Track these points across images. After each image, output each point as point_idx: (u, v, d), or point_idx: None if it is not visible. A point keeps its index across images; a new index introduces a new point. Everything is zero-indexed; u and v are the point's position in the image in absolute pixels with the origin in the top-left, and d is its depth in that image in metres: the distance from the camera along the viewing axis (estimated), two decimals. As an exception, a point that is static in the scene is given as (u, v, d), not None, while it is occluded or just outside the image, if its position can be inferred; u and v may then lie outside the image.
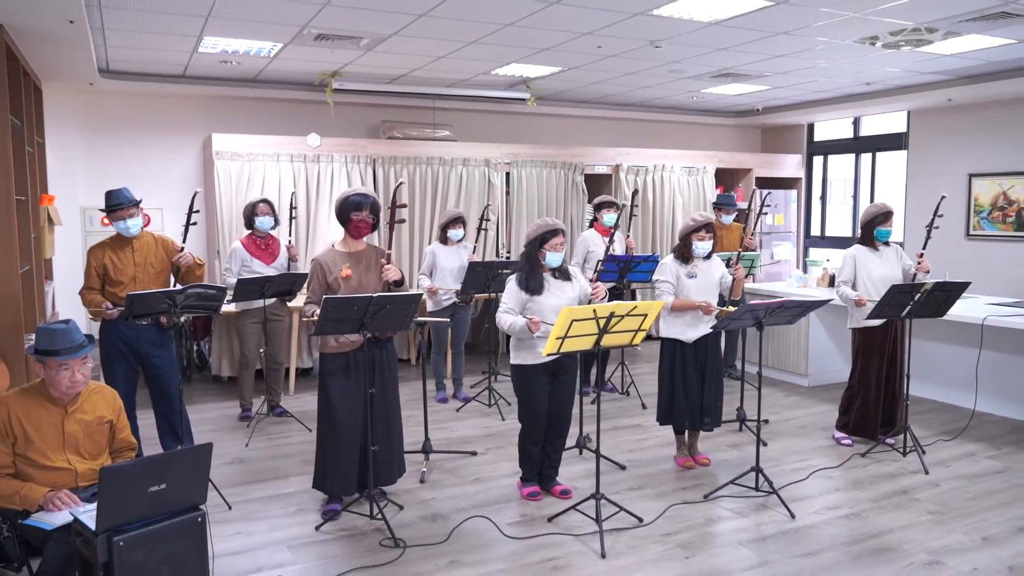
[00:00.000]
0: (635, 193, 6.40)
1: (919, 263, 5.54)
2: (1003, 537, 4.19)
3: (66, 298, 7.47)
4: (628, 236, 7.22)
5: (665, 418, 5.25)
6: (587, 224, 7.28)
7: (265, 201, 6.32)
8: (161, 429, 5.10)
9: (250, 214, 6.27)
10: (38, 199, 5.95)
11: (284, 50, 6.66)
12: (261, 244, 6.31)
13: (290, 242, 6.51)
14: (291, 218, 6.83)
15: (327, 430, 4.43)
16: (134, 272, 4.88)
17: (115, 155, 7.93)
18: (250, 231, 6.32)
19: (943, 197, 5.63)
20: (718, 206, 7.73)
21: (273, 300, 6.16)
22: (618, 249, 6.94)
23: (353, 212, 4.40)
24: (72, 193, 7.61)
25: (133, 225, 4.85)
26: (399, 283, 4.42)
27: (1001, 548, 4.07)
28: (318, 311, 4.17)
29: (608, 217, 6.91)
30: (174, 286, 4.82)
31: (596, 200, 7.11)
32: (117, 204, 4.80)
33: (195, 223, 4.95)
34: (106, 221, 4.88)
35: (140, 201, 4.92)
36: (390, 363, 4.54)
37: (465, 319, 6.94)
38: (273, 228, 6.34)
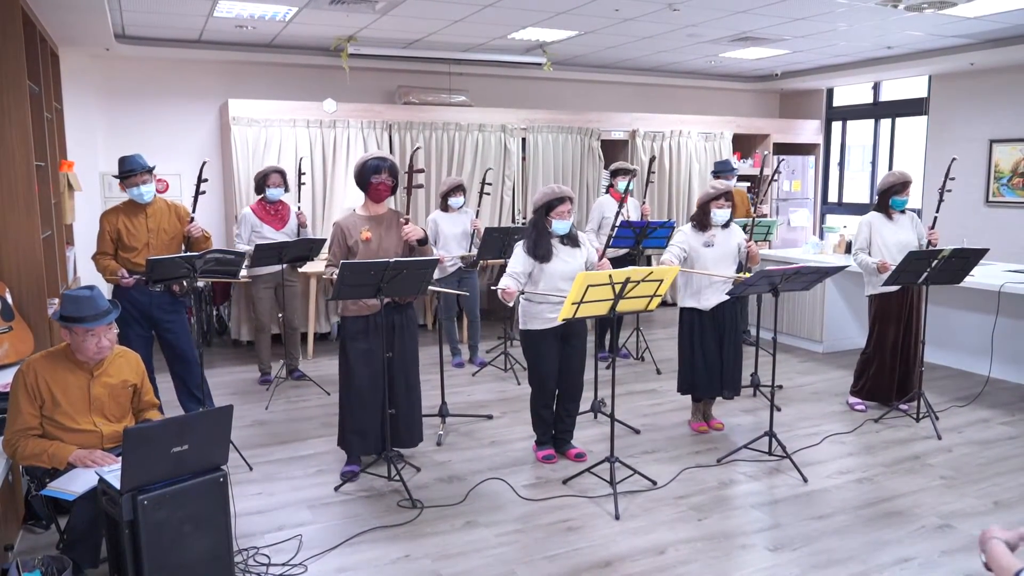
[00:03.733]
0: (652, 159, 6.38)
1: (930, 234, 5.50)
2: (1014, 502, 4.22)
3: (87, 263, 7.54)
4: (644, 203, 7.21)
5: (687, 388, 5.26)
6: (603, 190, 7.27)
7: (278, 172, 6.33)
8: (180, 393, 5.18)
9: (261, 182, 6.30)
10: (57, 165, 6.00)
11: (299, 14, 6.64)
12: (271, 210, 6.35)
13: (299, 209, 6.53)
14: (299, 184, 6.81)
15: (347, 392, 4.50)
16: (147, 238, 4.91)
17: (133, 121, 7.96)
18: (260, 197, 6.36)
19: (953, 159, 5.59)
20: (716, 173, 7.59)
21: (285, 266, 6.20)
22: (633, 215, 6.94)
23: (372, 176, 4.42)
24: (91, 158, 7.66)
25: (147, 192, 4.88)
26: (423, 242, 4.45)
27: (1012, 513, 4.10)
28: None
29: (623, 184, 6.89)
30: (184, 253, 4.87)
31: (613, 166, 7.10)
32: (130, 171, 4.83)
33: (203, 192, 4.97)
34: (122, 187, 4.92)
35: (153, 168, 4.95)
36: (410, 327, 4.59)
37: (473, 285, 6.95)
38: (284, 195, 6.38)
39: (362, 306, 4.41)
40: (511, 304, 4.50)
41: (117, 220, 4.90)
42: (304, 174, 6.90)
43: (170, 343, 5.02)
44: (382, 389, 4.43)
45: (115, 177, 4.99)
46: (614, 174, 7.02)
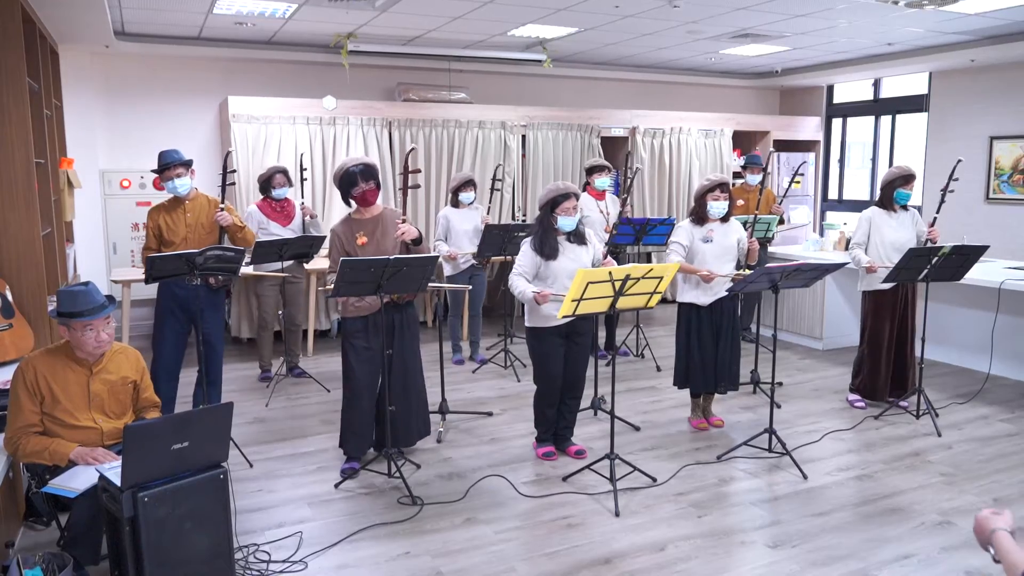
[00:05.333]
0: (628, 155, 6.36)
1: (930, 231, 5.51)
2: (1014, 499, 4.22)
3: (87, 261, 7.56)
4: (625, 198, 7.18)
5: (682, 382, 5.28)
6: (612, 189, 7.24)
7: (282, 172, 6.33)
8: (199, 384, 5.22)
9: (266, 183, 6.30)
10: (57, 162, 6.00)
11: (299, 11, 6.63)
12: (277, 207, 6.35)
13: (303, 203, 6.52)
14: (302, 180, 6.80)
15: (347, 391, 4.50)
16: (185, 232, 4.98)
17: (133, 118, 7.95)
18: (265, 195, 6.36)
19: (959, 161, 5.59)
20: (746, 166, 7.65)
21: (291, 263, 6.21)
22: (612, 212, 6.91)
23: (352, 189, 4.41)
24: (91, 156, 7.65)
25: (181, 185, 4.95)
26: (417, 242, 4.44)
27: (1012, 509, 4.05)
28: None
29: (600, 181, 6.87)
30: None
31: (588, 164, 7.09)
32: (166, 164, 4.93)
33: (232, 183, 5.03)
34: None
35: (190, 161, 5.03)
36: (410, 326, 4.59)
37: (482, 282, 6.97)
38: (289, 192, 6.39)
39: (362, 306, 4.40)
40: (545, 304, 4.46)
41: (158, 216, 5.01)
42: (306, 169, 6.90)
43: (205, 336, 5.03)
44: (381, 388, 4.44)
45: (152, 171, 5.06)
46: (590, 172, 6.98)
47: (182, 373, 5.19)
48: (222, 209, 5.05)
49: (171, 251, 4.83)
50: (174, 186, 4.94)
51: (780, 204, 7.56)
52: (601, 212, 6.80)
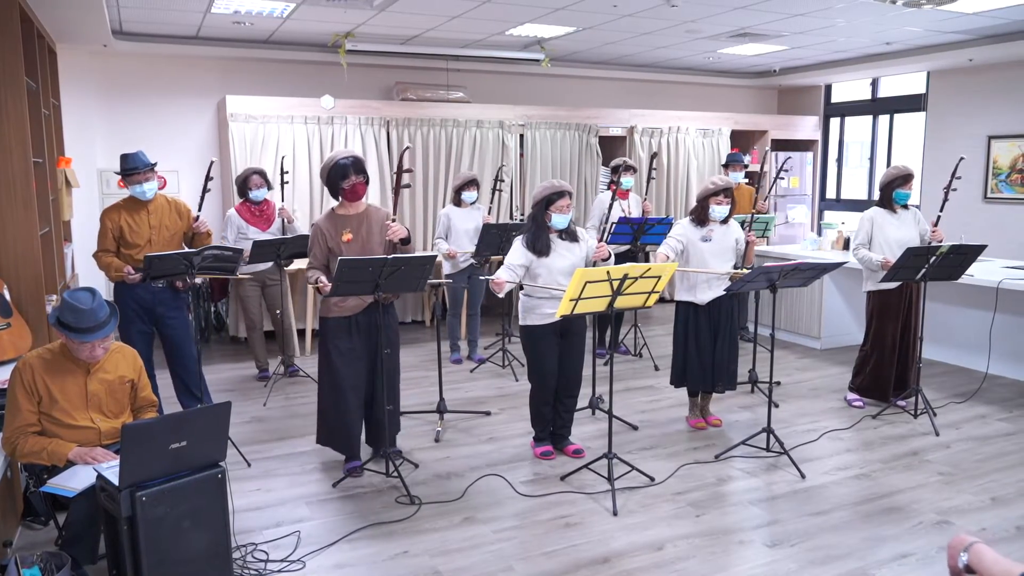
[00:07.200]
0: (654, 156, 6.39)
1: (933, 232, 5.51)
2: (1012, 498, 4.23)
3: (85, 260, 7.54)
4: (645, 199, 7.21)
5: (679, 381, 5.29)
6: (603, 187, 7.27)
7: (258, 172, 6.31)
8: (178, 390, 5.19)
9: (242, 185, 6.29)
10: (55, 161, 5.99)
11: (297, 10, 6.63)
12: (256, 211, 6.33)
13: (282, 206, 6.49)
14: (283, 183, 6.71)
15: (329, 392, 4.45)
16: (149, 235, 4.92)
17: (131, 117, 7.94)
18: (244, 199, 6.35)
19: (961, 159, 5.59)
20: (727, 164, 7.69)
21: (269, 265, 6.17)
22: (634, 211, 6.95)
23: (343, 182, 4.33)
24: (89, 155, 7.64)
25: (149, 189, 4.88)
26: (406, 241, 4.41)
27: (1010, 508, 4.10)
28: (321, 277, 4.23)
29: (626, 180, 6.87)
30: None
31: (615, 162, 7.06)
32: (132, 168, 4.83)
33: (209, 190, 5.00)
34: (122, 184, 4.92)
35: (155, 164, 4.95)
36: (392, 326, 4.56)
37: (481, 281, 6.96)
38: (267, 194, 6.38)
39: (344, 307, 4.38)
40: (501, 295, 4.49)
41: (119, 218, 4.89)
42: (287, 172, 6.84)
43: (171, 339, 5.02)
44: (365, 388, 4.43)
45: (116, 174, 4.99)
46: (615, 170, 6.94)
47: (156, 375, 5.13)
48: (198, 217, 5.03)
49: (134, 254, 4.81)
50: (142, 190, 4.84)
51: (765, 202, 7.57)
52: (624, 212, 6.82)
